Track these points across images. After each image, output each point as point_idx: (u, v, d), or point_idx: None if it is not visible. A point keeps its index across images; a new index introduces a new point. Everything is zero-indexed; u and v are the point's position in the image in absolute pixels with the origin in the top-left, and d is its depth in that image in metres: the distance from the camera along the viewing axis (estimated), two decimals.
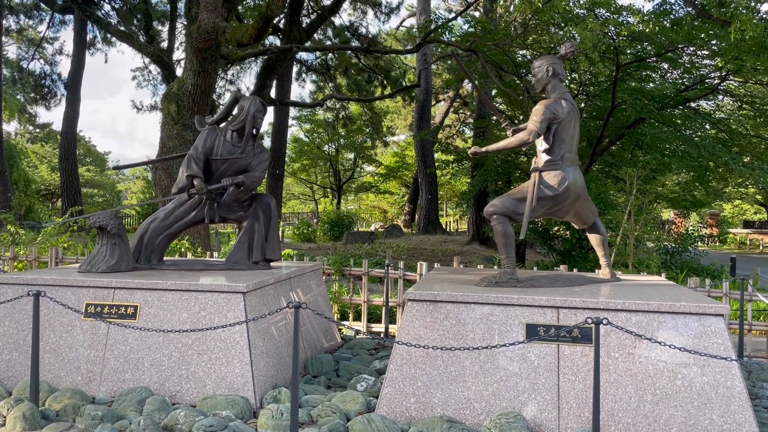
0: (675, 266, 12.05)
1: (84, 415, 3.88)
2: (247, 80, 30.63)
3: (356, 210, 42.79)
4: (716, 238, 31.04)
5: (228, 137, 5.36)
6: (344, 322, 7.48)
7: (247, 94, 5.62)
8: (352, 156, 35.69)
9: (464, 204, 28.87)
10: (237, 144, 5.35)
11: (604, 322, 3.46)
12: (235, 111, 5.46)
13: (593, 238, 5.12)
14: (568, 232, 12.21)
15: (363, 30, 21.03)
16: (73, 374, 4.47)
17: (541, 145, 4.70)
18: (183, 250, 8.40)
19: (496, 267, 7.89)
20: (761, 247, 30.48)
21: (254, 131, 5.36)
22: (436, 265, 7.08)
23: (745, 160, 12.23)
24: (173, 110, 10.04)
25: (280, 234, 29.34)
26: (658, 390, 3.76)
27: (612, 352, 3.86)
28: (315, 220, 32.88)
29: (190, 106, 10.06)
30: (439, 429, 3.70)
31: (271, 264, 5.59)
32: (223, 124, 5.55)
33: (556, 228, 12.49)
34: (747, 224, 35.63)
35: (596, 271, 5.57)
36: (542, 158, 4.67)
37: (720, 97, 13.30)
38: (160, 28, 20.63)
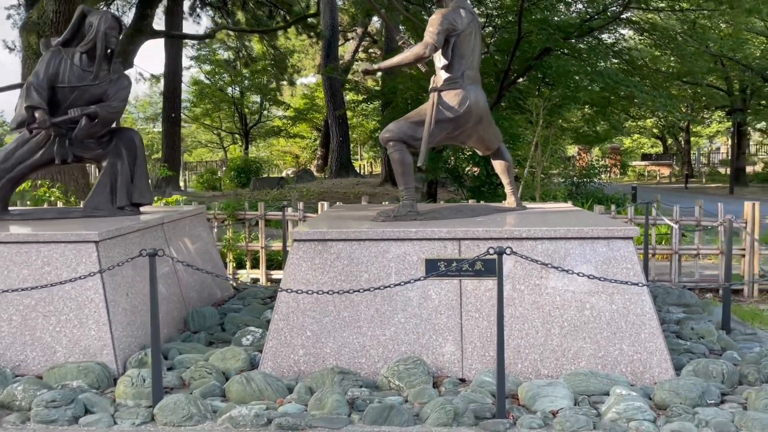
0: (580, 196, 12.18)
1: None
2: (125, 9, 26.58)
3: (268, 156, 41.34)
4: (618, 168, 32.34)
5: (76, 61, 4.51)
6: (241, 271, 6.89)
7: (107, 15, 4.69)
8: (258, 99, 33.98)
9: (377, 145, 28.37)
10: (88, 69, 4.51)
11: (508, 251, 3.09)
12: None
13: (498, 165, 4.78)
14: (476, 169, 12.06)
15: None
16: None
17: (439, 61, 4.21)
18: (53, 198, 7.41)
19: None
20: (658, 178, 32.10)
21: (108, 52, 4.53)
22: (337, 204, 6.58)
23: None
24: (34, 42, 8.75)
25: (184, 183, 27.81)
26: (566, 322, 3.48)
27: (517, 284, 3.53)
28: (223, 168, 31.41)
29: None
30: (329, 382, 3.26)
31: (141, 209, 4.88)
32: (74, 47, 4.67)
33: (468, 168, 12.35)
34: (645, 157, 37.31)
35: (502, 201, 5.26)
36: (441, 76, 4.20)
37: (623, 32, 13.38)
38: None
